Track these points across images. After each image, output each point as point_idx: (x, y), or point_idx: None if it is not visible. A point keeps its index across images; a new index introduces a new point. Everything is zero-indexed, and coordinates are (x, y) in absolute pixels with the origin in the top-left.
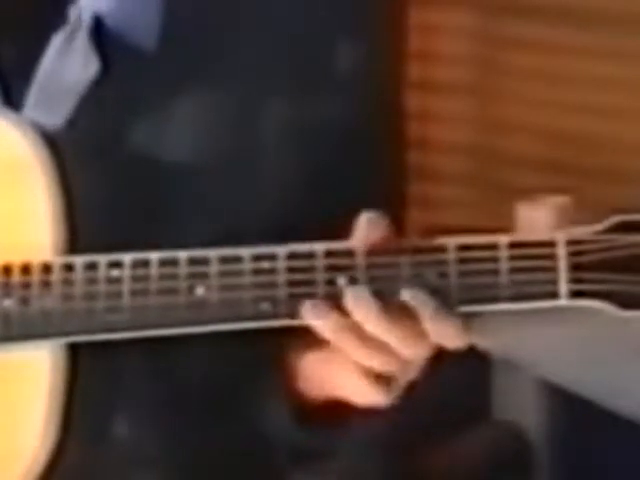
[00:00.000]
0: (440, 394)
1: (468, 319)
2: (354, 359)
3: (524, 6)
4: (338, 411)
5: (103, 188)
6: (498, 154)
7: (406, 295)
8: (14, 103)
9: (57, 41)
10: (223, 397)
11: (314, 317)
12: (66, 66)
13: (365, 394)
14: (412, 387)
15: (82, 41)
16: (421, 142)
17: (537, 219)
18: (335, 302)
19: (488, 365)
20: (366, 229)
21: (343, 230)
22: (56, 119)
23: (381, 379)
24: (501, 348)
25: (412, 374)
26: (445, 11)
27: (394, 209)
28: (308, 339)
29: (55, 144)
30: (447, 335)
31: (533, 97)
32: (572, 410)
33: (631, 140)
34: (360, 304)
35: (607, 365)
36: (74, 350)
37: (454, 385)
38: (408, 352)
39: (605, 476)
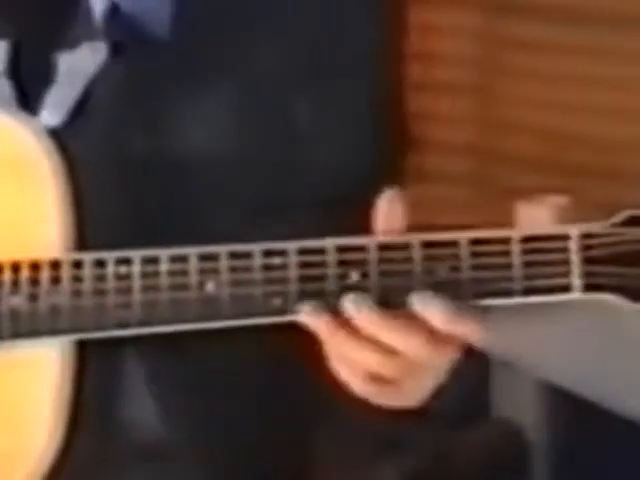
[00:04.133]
0: (439, 393)
1: (482, 313)
2: (350, 358)
3: (524, 6)
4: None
5: (112, 186)
6: (498, 154)
7: (417, 305)
8: (29, 102)
9: (71, 36)
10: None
11: (310, 319)
12: (77, 57)
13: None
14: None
15: (91, 29)
16: (421, 142)
17: (537, 219)
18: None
19: (488, 364)
20: (387, 206)
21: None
22: (65, 114)
23: (374, 380)
24: (501, 350)
25: (432, 377)
26: (445, 11)
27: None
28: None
29: (64, 142)
30: (467, 332)
31: (533, 97)
32: (572, 410)
33: (630, 140)
34: (361, 311)
35: (606, 365)
36: (82, 347)
37: (453, 384)
38: (417, 355)
39: (605, 476)
